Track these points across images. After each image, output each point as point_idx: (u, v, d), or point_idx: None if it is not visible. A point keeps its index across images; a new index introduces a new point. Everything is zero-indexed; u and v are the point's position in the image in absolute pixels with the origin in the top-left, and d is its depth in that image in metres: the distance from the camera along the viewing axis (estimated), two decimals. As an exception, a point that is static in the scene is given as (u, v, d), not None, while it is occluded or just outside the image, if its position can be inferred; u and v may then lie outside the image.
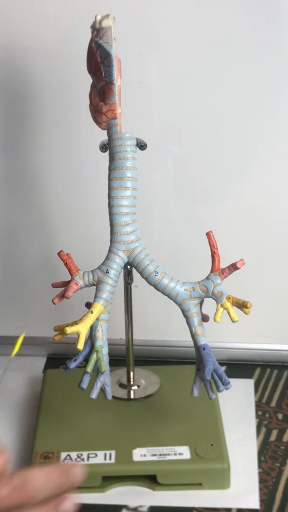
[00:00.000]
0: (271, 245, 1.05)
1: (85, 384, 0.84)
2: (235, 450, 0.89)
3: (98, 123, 0.86)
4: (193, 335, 0.85)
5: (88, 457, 0.85)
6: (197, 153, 1.02)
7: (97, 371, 0.84)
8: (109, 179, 0.85)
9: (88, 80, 0.85)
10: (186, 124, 1.01)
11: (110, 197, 0.85)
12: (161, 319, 1.08)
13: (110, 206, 0.85)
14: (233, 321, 0.83)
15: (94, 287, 0.85)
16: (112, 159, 0.85)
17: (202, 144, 1.02)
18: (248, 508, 0.83)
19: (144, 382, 0.98)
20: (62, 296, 0.85)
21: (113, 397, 0.91)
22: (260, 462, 0.89)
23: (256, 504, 0.83)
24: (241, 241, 1.04)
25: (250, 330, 1.07)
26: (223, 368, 0.97)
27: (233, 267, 0.84)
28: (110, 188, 0.85)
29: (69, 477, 0.56)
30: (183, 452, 0.86)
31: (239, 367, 1.07)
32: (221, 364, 0.87)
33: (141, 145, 0.85)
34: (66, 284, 0.86)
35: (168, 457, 0.85)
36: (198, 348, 0.85)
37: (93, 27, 0.83)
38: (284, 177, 1.02)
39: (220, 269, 0.85)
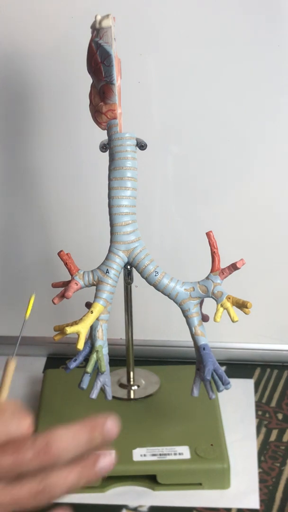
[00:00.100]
0: (271, 245, 1.05)
1: (85, 384, 0.84)
2: (235, 450, 0.89)
3: (98, 123, 0.86)
4: (193, 335, 0.85)
5: (88, 457, 0.85)
6: (197, 153, 1.02)
7: (97, 371, 0.84)
8: (109, 179, 0.85)
9: (88, 80, 0.85)
10: (186, 124, 1.01)
11: (110, 197, 0.85)
12: (161, 319, 1.08)
13: (110, 206, 0.85)
14: (233, 321, 0.83)
15: (94, 287, 0.85)
16: (112, 159, 0.85)
17: (202, 144, 1.02)
18: (248, 508, 0.83)
19: (144, 382, 0.98)
20: (62, 296, 0.85)
21: (113, 397, 0.91)
22: (260, 462, 0.89)
23: (256, 504, 0.83)
24: (241, 241, 1.04)
25: (250, 330, 1.07)
26: (223, 368, 0.97)
27: (233, 267, 0.84)
28: (110, 188, 0.85)
29: (100, 433, 0.55)
30: (183, 452, 0.86)
31: (239, 367, 1.07)
32: (221, 364, 0.87)
33: (141, 145, 0.85)
34: (66, 284, 0.86)
35: (168, 457, 0.85)
36: (198, 348, 0.85)
37: (93, 27, 0.83)
38: (284, 177, 1.02)
39: (220, 269, 0.85)
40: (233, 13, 0.96)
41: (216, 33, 0.97)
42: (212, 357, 0.84)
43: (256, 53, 0.97)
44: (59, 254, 0.86)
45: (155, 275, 0.85)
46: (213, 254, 0.85)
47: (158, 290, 0.85)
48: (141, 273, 0.86)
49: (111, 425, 0.56)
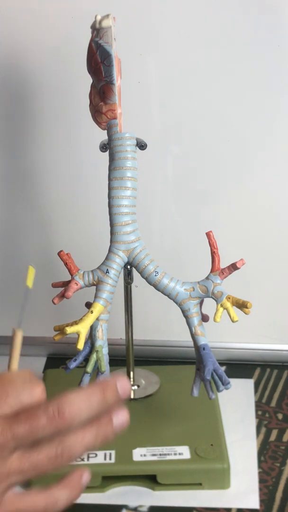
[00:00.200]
0: (271, 245, 1.05)
1: (85, 384, 0.84)
2: (235, 450, 0.89)
3: (98, 123, 0.86)
4: (193, 335, 0.85)
5: (88, 457, 0.85)
6: (197, 153, 1.02)
7: (97, 371, 0.84)
8: (109, 179, 0.85)
9: (88, 80, 0.85)
10: (186, 124, 1.01)
11: (110, 197, 0.85)
12: (161, 319, 1.08)
13: (110, 206, 0.85)
14: (233, 321, 0.83)
15: (94, 287, 0.85)
16: (112, 159, 0.85)
17: (202, 144, 1.02)
18: (248, 508, 0.83)
19: (144, 382, 0.98)
20: (62, 296, 0.85)
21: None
22: (260, 462, 0.89)
23: (256, 504, 0.83)
24: (241, 241, 1.04)
25: (250, 330, 1.07)
26: (223, 368, 0.97)
27: (233, 267, 0.84)
28: (110, 188, 0.85)
29: (111, 393, 0.56)
30: (183, 452, 0.86)
31: (239, 367, 1.07)
32: (221, 364, 0.87)
33: (141, 145, 0.85)
34: (66, 284, 0.86)
35: (168, 457, 0.85)
36: (198, 348, 0.85)
37: (93, 27, 0.83)
38: (284, 177, 1.02)
39: (220, 269, 0.85)
40: (233, 13, 0.96)
41: (216, 33, 0.97)
42: (212, 357, 0.84)
43: (256, 53, 0.97)
44: (59, 254, 0.86)
45: (155, 275, 0.85)
46: (213, 254, 0.85)
47: (158, 290, 0.85)
48: (141, 273, 0.86)
49: (122, 383, 0.57)
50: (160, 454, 0.85)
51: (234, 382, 0.88)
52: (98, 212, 0.92)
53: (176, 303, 0.85)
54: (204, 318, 0.86)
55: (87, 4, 0.95)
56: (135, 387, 0.97)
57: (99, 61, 0.83)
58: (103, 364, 0.84)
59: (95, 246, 0.92)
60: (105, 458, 0.85)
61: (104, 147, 0.86)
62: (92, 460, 0.85)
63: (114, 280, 0.85)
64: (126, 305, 0.93)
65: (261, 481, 0.87)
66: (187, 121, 1.01)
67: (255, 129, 1.01)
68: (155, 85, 1.00)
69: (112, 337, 0.87)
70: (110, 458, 0.85)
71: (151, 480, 0.85)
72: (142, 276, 0.86)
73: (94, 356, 0.84)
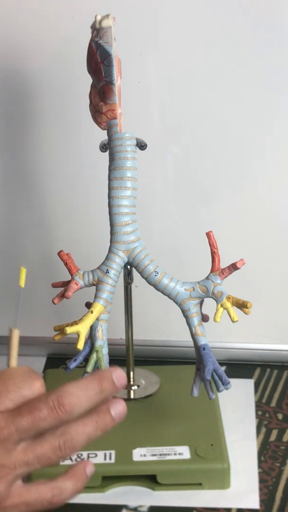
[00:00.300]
0: (271, 245, 1.05)
1: (85, 384, 0.84)
2: (235, 450, 0.89)
3: (98, 123, 0.86)
4: (193, 335, 0.85)
5: (88, 457, 0.85)
6: (197, 153, 1.02)
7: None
8: (109, 179, 0.85)
9: (88, 80, 0.85)
10: (186, 124, 1.01)
11: (110, 197, 0.85)
12: (161, 319, 1.08)
13: (110, 206, 0.85)
14: (233, 321, 0.83)
15: (94, 287, 0.85)
16: (112, 159, 0.85)
17: (202, 144, 1.02)
18: (248, 508, 0.83)
19: (144, 382, 0.98)
20: (62, 296, 0.85)
21: (113, 397, 0.91)
22: (260, 462, 0.89)
23: (256, 504, 0.83)
24: (241, 241, 1.04)
25: (250, 330, 1.07)
26: (223, 368, 0.97)
27: (233, 267, 0.84)
28: (110, 188, 0.85)
29: (108, 383, 0.58)
30: (183, 452, 0.86)
31: (239, 367, 1.07)
32: (221, 364, 0.87)
33: (141, 145, 0.85)
34: (66, 284, 0.86)
35: (168, 457, 0.85)
36: (198, 348, 0.85)
37: (93, 27, 0.83)
38: (284, 177, 1.02)
39: (220, 269, 0.85)
40: (233, 13, 0.96)
41: (216, 33, 0.97)
42: (212, 357, 0.84)
43: (256, 53, 0.97)
44: (59, 254, 0.86)
45: (155, 275, 0.85)
46: (213, 254, 0.85)
47: (158, 290, 0.85)
48: (141, 273, 0.86)
49: (118, 374, 0.58)
50: (160, 454, 0.85)
51: (234, 382, 0.88)
52: (98, 212, 0.92)
53: (176, 303, 0.85)
54: (204, 318, 0.86)
55: (87, 4, 0.95)
56: (135, 387, 0.97)
57: (99, 61, 0.83)
58: (103, 364, 0.84)
59: (95, 246, 0.92)
60: (105, 458, 0.85)
61: (104, 147, 0.86)
62: (92, 460, 0.85)
63: (114, 280, 0.85)
64: (126, 305, 0.93)
65: (261, 481, 0.87)
66: (187, 121, 1.01)
67: (255, 129, 1.01)
68: (155, 85, 1.00)
69: (112, 337, 0.87)
70: (110, 458, 0.85)
71: (151, 480, 0.85)
72: (142, 276, 0.86)
73: (94, 356, 0.84)
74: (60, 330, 0.84)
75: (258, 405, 0.99)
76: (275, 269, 1.06)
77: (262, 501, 0.84)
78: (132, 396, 0.96)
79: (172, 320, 1.04)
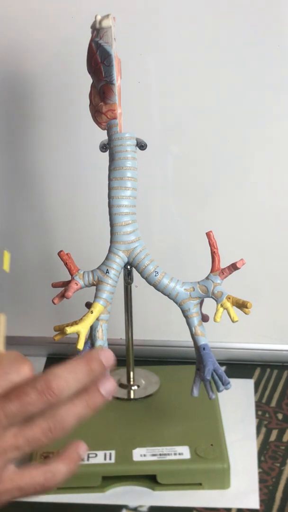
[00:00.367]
0: (271, 245, 1.05)
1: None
2: (235, 450, 0.89)
3: (98, 123, 0.86)
4: (193, 335, 0.85)
5: (88, 457, 0.85)
6: (197, 153, 1.02)
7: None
8: (109, 179, 0.85)
9: (88, 80, 0.85)
10: (186, 124, 1.01)
11: (110, 197, 0.85)
12: (161, 319, 1.08)
13: (110, 206, 0.85)
14: (233, 321, 0.83)
15: (94, 287, 0.85)
16: (112, 159, 0.85)
17: (202, 144, 1.02)
18: (248, 508, 0.83)
19: (144, 382, 0.98)
20: (62, 296, 0.85)
21: (113, 397, 0.91)
22: (260, 462, 0.89)
23: (256, 504, 0.83)
24: (241, 241, 1.04)
25: (250, 330, 1.07)
26: (223, 368, 0.97)
27: (233, 267, 0.84)
28: (110, 188, 0.85)
29: (96, 364, 0.58)
30: (183, 452, 0.86)
31: (239, 367, 1.07)
32: (221, 364, 0.87)
33: (141, 145, 0.85)
34: (66, 284, 0.86)
35: (168, 457, 0.85)
36: (198, 348, 0.85)
37: (93, 27, 0.83)
38: (284, 177, 1.02)
39: (220, 269, 0.85)
40: (233, 13, 0.96)
41: (216, 33, 0.97)
42: (212, 357, 0.84)
43: (256, 53, 0.97)
44: (59, 254, 0.86)
45: (155, 275, 0.85)
46: (213, 254, 0.85)
47: (158, 290, 0.85)
48: (141, 273, 0.86)
49: (105, 353, 0.58)
50: (160, 454, 0.85)
51: (234, 382, 0.88)
52: (98, 212, 0.92)
53: (176, 303, 0.85)
54: (204, 318, 0.86)
55: (87, 4, 0.95)
56: (135, 387, 0.97)
57: (99, 61, 0.83)
58: (103, 364, 0.84)
59: (95, 246, 0.92)
60: (105, 458, 0.85)
61: (104, 147, 0.86)
62: (92, 460, 0.85)
63: (114, 280, 0.85)
64: (126, 305, 0.93)
65: (261, 481, 0.87)
66: (187, 121, 1.01)
67: (255, 129, 1.01)
68: (155, 85, 1.00)
69: (112, 337, 0.87)
70: (110, 458, 0.85)
71: (151, 480, 0.85)
72: (142, 276, 0.86)
73: (94, 356, 0.83)
74: (60, 330, 0.84)
75: (258, 405, 0.99)
76: (275, 269, 1.06)
77: (262, 501, 0.84)
78: (132, 396, 0.96)
79: (172, 320, 1.04)
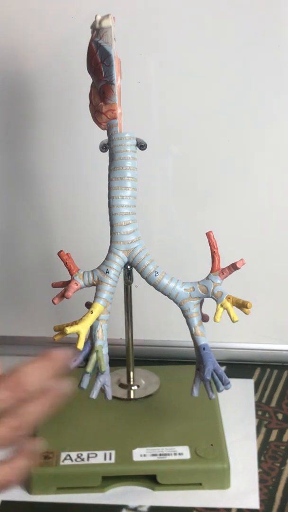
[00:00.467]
0: (271, 245, 1.05)
1: (85, 384, 0.84)
2: (235, 450, 0.89)
3: (98, 123, 0.86)
4: (193, 335, 0.85)
5: (88, 457, 0.85)
6: (197, 153, 1.02)
7: (97, 371, 0.84)
8: (109, 179, 0.85)
9: (88, 80, 0.85)
10: (186, 124, 1.01)
11: (110, 197, 0.85)
12: (161, 319, 1.08)
13: (110, 206, 0.85)
14: (233, 321, 0.83)
15: (94, 287, 0.85)
16: (112, 159, 0.85)
17: (202, 144, 1.02)
18: (248, 508, 0.83)
19: (144, 382, 0.98)
20: (62, 296, 0.85)
21: (113, 397, 0.91)
22: (260, 462, 0.89)
23: (256, 504, 0.83)
24: (241, 241, 1.04)
25: (250, 330, 1.07)
26: (223, 368, 0.97)
27: (233, 267, 0.84)
28: (110, 188, 0.85)
29: (59, 363, 0.59)
30: (183, 452, 0.86)
31: (239, 367, 1.07)
32: (221, 364, 0.87)
33: (141, 145, 0.85)
34: (66, 284, 0.86)
35: (168, 457, 0.85)
36: (198, 348, 0.85)
37: (93, 27, 0.83)
38: (284, 177, 1.02)
39: (220, 269, 0.85)
40: (233, 13, 0.96)
41: (216, 33, 0.97)
42: (212, 357, 0.84)
43: (256, 53, 0.97)
44: (59, 254, 0.86)
45: (155, 275, 0.85)
46: (213, 254, 0.85)
47: (158, 290, 0.85)
48: (141, 273, 0.86)
49: (68, 353, 0.60)
50: (160, 454, 0.85)
51: (234, 382, 0.88)
52: (98, 212, 0.92)
53: (176, 303, 0.85)
54: (204, 318, 0.86)
55: (87, 4, 0.95)
56: (135, 387, 0.97)
57: (99, 61, 0.83)
58: (103, 364, 0.84)
59: (95, 246, 0.92)
60: (105, 458, 0.85)
61: (104, 147, 0.86)
62: (92, 460, 0.85)
63: (114, 280, 0.85)
64: (126, 305, 0.93)
65: (261, 481, 0.87)
66: (187, 121, 1.01)
67: (255, 129, 1.01)
68: (155, 85, 1.00)
69: (112, 337, 0.87)
70: (110, 458, 0.85)
71: (151, 480, 0.85)
72: (142, 276, 0.86)
73: (94, 356, 0.84)
74: (60, 330, 0.84)
75: (258, 405, 0.99)
76: (275, 269, 1.06)
77: (262, 501, 0.84)
78: (132, 396, 0.96)
79: (172, 320, 1.04)
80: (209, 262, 0.85)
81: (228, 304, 0.84)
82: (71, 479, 0.85)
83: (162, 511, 0.83)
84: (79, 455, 0.86)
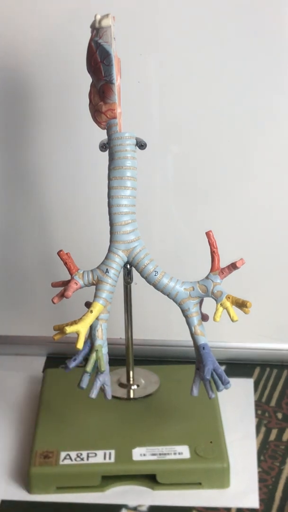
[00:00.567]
0: (271, 244, 1.05)
1: (84, 383, 0.84)
2: (234, 449, 0.89)
3: (97, 122, 0.86)
4: (192, 335, 0.85)
5: (88, 456, 0.85)
6: (197, 153, 1.02)
7: (96, 371, 0.84)
8: (109, 179, 0.85)
9: (88, 79, 0.85)
10: (186, 124, 1.01)
11: (109, 196, 0.85)
12: (161, 319, 1.08)
13: (109, 205, 0.85)
14: (232, 321, 0.83)
15: (94, 286, 0.85)
16: (111, 158, 0.85)
17: (202, 144, 1.02)
18: (247, 508, 0.83)
19: (143, 381, 0.98)
20: (62, 295, 0.85)
21: (113, 396, 0.91)
22: (259, 461, 0.89)
23: (255, 504, 0.83)
24: (241, 240, 1.04)
25: (250, 329, 1.07)
26: (223, 367, 0.97)
27: (233, 266, 0.84)
28: (109, 188, 0.85)
29: None
30: (183, 451, 0.86)
31: (238, 366, 1.07)
32: (221, 363, 0.87)
33: (141, 145, 0.85)
34: (65, 284, 0.86)
35: (167, 457, 0.85)
36: (197, 347, 0.85)
37: (92, 26, 0.83)
38: (284, 176, 1.02)
39: (220, 268, 0.85)
40: (233, 13, 0.96)
41: (216, 33, 0.97)
42: (212, 356, 0.84)
43: (257, 53, 0.97)
44: (58, 253, 0.86)
45: (155, 275, 0.85)
46: (213, 254, 0.85)
47: (158, 289, 0.86)
48: (140, 272, 0.86)
49: None
50: (160, 454, 0.85)
51: (234, 381, 0.88)
52: (98, 212, 0.92)
53: (176, 302, 0.85)
54: (204, 318, 0.86)
55: (87, 4, 0.95)
56: (135, 386, 0.97)
57: (98, 61, 0.83)
58: (102, 363, 0.84)
59: (95, 246, 0.92)
60: (104, 458, 0.85)
61: (103, 146, 0.86)
62: (92, 460, 0.85)
63: (113, 279, 0.85)
64: (126, 305, 0.93)
65: (261, 480, 0.87)
66: (187, 121, 1.01)
67: (255, 129, 1.01)
68: (155, 85, 1.00)
69: (112, 337, 0.88)
70: (109, 458, 0.85)
71: (150, 479, 0.85)
72: (142, 276, 0.86)
73: (93, 356, 0.84)
74: (60, 329, 0.84)
75: (258, 404, 0.99)
76: (274, 269, 1.06)
77: (261, 500, 0.84)
78: (131, 396, 0.96)
79: (172, 320, 1.04)
80: (209, 261, 0.85)
81: (228, 304, 0.84)
82: (71, 479, 0.85)
83: (161, 511, 0.83)
84: (79, 454, 0.86)
